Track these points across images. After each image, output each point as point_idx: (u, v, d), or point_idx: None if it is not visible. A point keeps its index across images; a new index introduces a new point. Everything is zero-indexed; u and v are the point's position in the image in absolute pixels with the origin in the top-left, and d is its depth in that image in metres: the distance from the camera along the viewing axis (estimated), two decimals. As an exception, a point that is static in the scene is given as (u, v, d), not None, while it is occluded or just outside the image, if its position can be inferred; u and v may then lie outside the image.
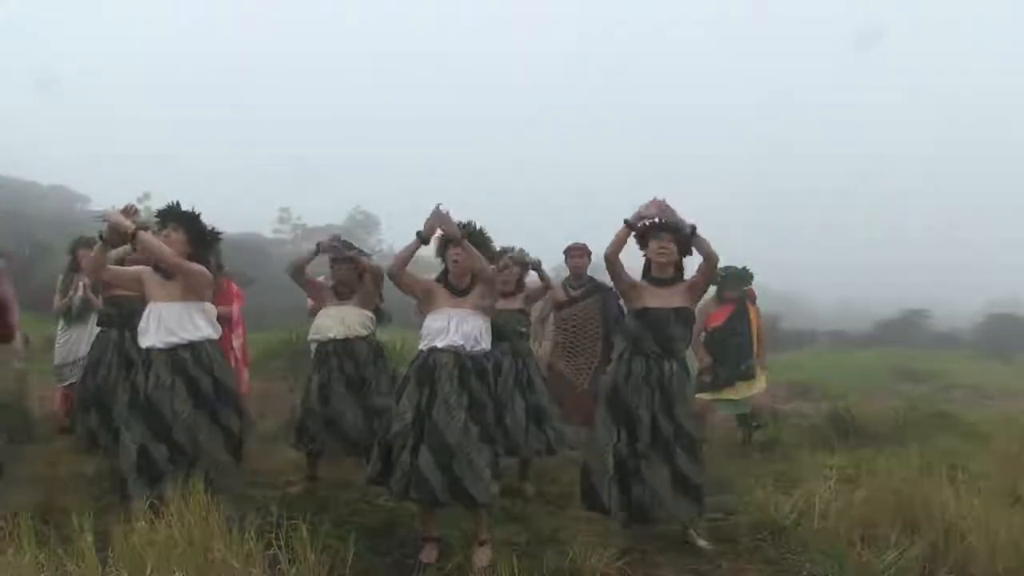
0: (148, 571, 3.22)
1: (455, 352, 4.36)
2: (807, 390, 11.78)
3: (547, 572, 4.06)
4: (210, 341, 4.45)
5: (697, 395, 7.10)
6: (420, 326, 4.54)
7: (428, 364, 4.38)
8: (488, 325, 4.53)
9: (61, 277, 6.90)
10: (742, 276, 7.02)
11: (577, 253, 6.70)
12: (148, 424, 4.22)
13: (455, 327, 4.38)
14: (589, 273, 6.83)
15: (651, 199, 4.50)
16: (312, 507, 4.80)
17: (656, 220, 4.59)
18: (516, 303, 5.93)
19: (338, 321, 5.54)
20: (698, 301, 4.86)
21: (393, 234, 45.83)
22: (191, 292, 4.38)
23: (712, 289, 7.09)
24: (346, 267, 5.59)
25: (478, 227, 4.58)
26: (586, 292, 6.66)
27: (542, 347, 6.70)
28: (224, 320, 6.30)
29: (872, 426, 7.79)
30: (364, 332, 5.61)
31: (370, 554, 4.25)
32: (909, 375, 16.07)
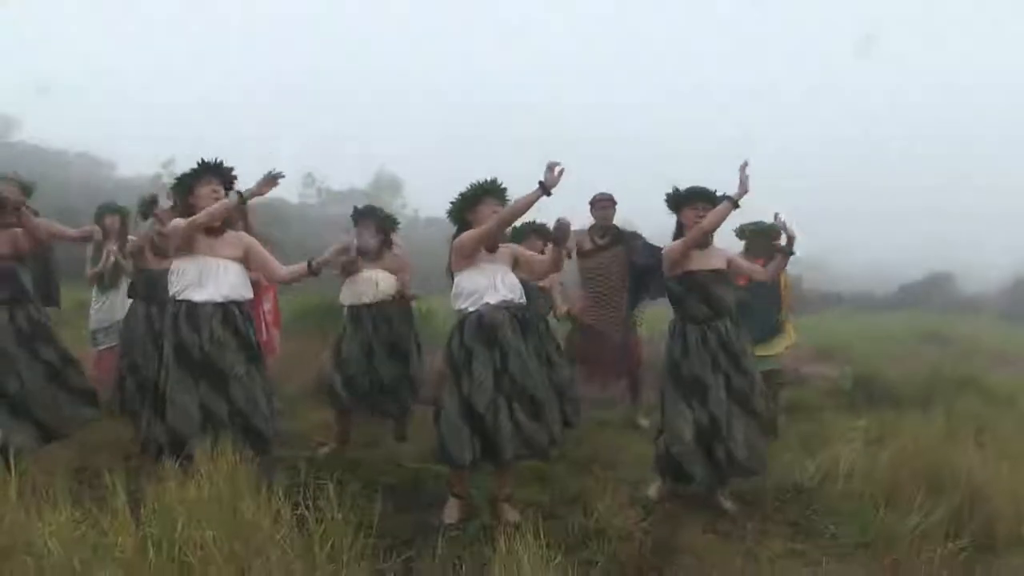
0: (179, 529, 3.27)
1: (506, 307, 4.34)
2: (831, 353, 11.73)
3: (572, 532, 4.10)
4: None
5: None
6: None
7: (484, 325, 4.30)
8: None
9: (90, 246, 6.95)
10: (769, 231, 6.97)
11: (604, 203, 6.67)
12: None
13: (500, 281, 4.36)
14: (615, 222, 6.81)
15: (743, 168, 4.41)
16: (339, 468, 4.86)
17: (692, 189, 4.66)
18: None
19: (372, 285, 5.59)
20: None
21: (417, 196, 45.88)
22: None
23: (740, 244, 7.06)
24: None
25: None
26: (611, 241, 6.64)
27: (569, 305, 6.69)
28: (253, 284, 6.38)
29: (897, 389, 7.76)
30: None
31: (397, 514, 4.30)
32: (934, 338, 15.94)
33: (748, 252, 6.99)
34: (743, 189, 4.41)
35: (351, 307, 5.66)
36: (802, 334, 7.64)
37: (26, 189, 5.25)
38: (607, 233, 6.67)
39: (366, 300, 5.57)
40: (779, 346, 6.95)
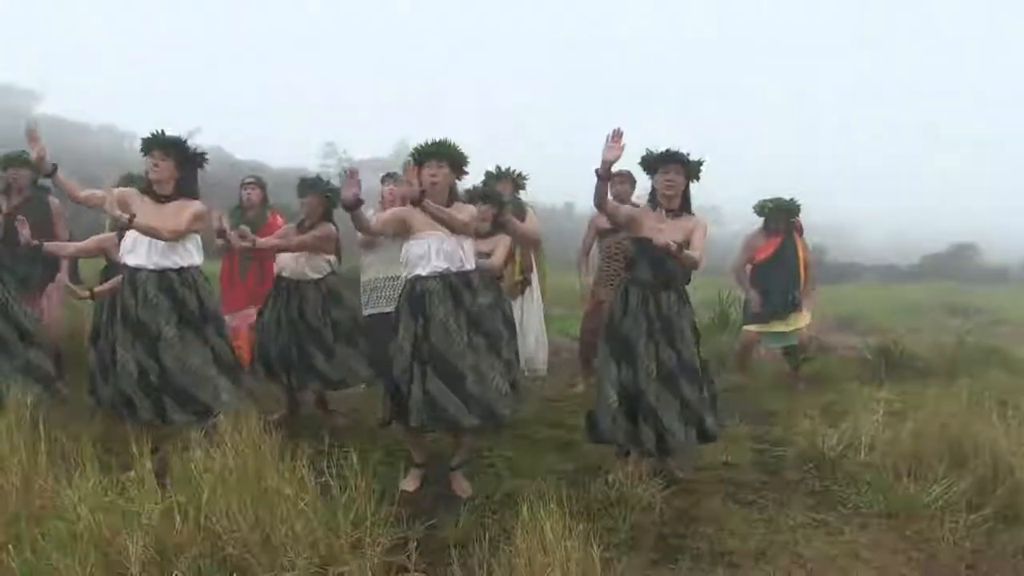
0: (204, 497, 3.32)
1: (440, 276, 4.25)
2: (854, 323, 11.68)
3: (593, 501, 4.12)
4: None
5: (745, 327, 7.08)
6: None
7: (415, 293, 4.28)
8: (471, 244, 4.39)
9: (108, 216, 6.98)
10: (789, 207, 6.92)
11: (618, 180, 6.62)
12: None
13: (435, 252, 4.27)
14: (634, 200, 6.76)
15: (611, 136, 4.19)
16: (362, 437, 4.91)
17: (663, 152, 4.48)
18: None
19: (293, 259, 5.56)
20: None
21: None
22: None
23: (760, 221, 7.02)
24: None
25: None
26: None
27: (585, 278, 6.75)
28: (269, 252, 6.41)
29: (920, 360, 7.71)
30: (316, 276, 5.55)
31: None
32: (958, 309, 15.83)
33: (767, 227, 6.96)
34: (604, 166, 4.18)
35: (276, 278, 5.65)
36: (824, 305, 7.59)
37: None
38: None
39: (284, 274, 5.54)
40: (798, 322, 6.92)
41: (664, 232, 4.35)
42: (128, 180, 6.81)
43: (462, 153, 4.41)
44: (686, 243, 4.36)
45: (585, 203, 6.90)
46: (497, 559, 3.17)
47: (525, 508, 3.25)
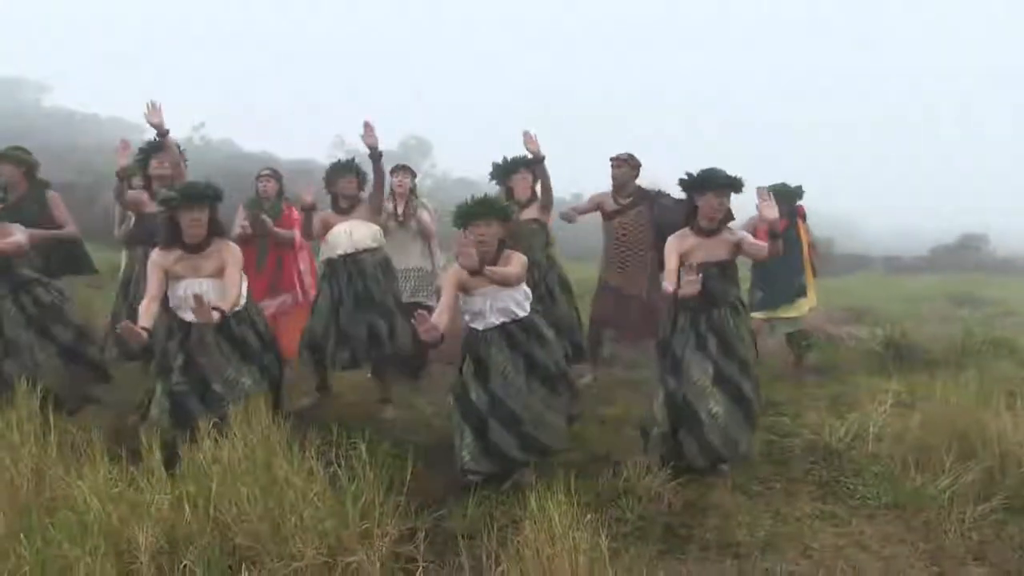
0: (213, 488, 3.33)
1: (496, 328, 4.43)
2: (861, 315, 11.63)
3: (602, 491, 4.13)
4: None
5: (752, 314, 7.08)
6: None
7: (474, 340, 4.46)
8: (522, 289, 4.52)
9: (116, 208, 6.99)
10: (792, 193, 6.92)
11: (615, 163, 6.61)
12: None
13: (490, 307, 4.42)
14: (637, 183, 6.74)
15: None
16: (370, 427, 4.92)
17: (721, 176, 4.48)
18: (532, 212, 6.03)
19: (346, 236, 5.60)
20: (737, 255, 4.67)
21: (446, 157, 45.89)
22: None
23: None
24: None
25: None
26: (633, 201, 6.59)
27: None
28: (288, 243, 6.43)
29: (928, 351, 7.69)
30: (374, 245, 5.64)
31: (428, 472, 4.34)
32: (966, 301, 15.74)
33: None
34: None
35: (327, 261, 5.65)
36: (832, 296, 7.58)
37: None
38: (628, 193, 6.62)
39: (340, 252, 5.55)
40: (803, 308, 6.94)
41: (709, 249, 4.50)
42: (133, 171, 6.88)
43: (506, 206, 4.55)
44: (735, 252, 4.52)
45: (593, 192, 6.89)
46: (505, 549, 3.18)
47: (533, 499, 3.26)
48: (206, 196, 4.57)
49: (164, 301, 4.60)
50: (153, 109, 5.25)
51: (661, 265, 6.72)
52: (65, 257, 6.01)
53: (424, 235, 6.60)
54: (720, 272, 4.53)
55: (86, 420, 4.68)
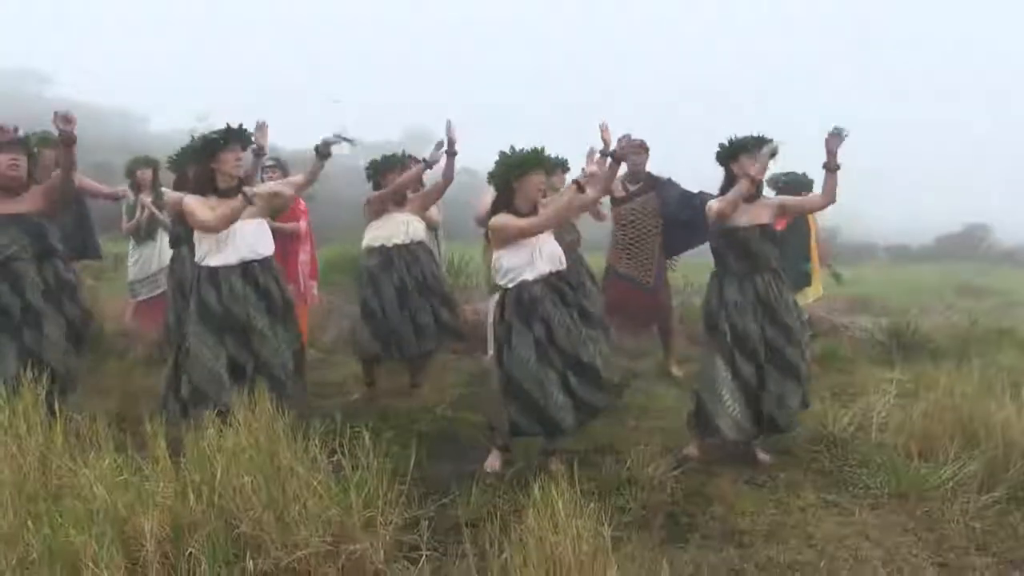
0: (218, 476, 3.34)
1: (544, 279, 4.41)
2: (866, 304, 11.61)
3: (605, 480, 4.14)
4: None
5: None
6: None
7: (523, 301, 4.37)
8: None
9: (124, 200, 7.00)
10: (802, 182, 6.92)
11: (635, 150, 6.60)
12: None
13: (538, 254, 4.41)
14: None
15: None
16: (374, 416, 4.93)
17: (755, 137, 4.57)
18: None
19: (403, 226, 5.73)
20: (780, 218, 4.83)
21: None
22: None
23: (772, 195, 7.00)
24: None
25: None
26: (643, 188, 6.59)
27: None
28: (292, 235, 6.42)
29: (933, 341, 7.68)
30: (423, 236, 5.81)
31: (431, 461, 4.36)
32: (971, 291, 15.73)
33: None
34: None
35: (381, 248, 5.69)
36: (836, 285, 7.57)
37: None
38: (639, 179, 6.61)
39: (396, 241, 5.64)
40: (808, 296, 6.94)
41: (752, 213, 4.57)
42: (138, 164, 6.89)
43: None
44: (779, 215, 4.72)
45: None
46: (508, 538, 3.18)
47: (536, 487, 3.26)
48: (245, 136, 4.70)
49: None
50: (261, 130, 5.04)
51: (671, 253, 6.77)
52: (81, 241, 6.04)
53: (429, 224, 6.60)
54: (760, 233, 4.58)
55: (92, 408, 4.69)
